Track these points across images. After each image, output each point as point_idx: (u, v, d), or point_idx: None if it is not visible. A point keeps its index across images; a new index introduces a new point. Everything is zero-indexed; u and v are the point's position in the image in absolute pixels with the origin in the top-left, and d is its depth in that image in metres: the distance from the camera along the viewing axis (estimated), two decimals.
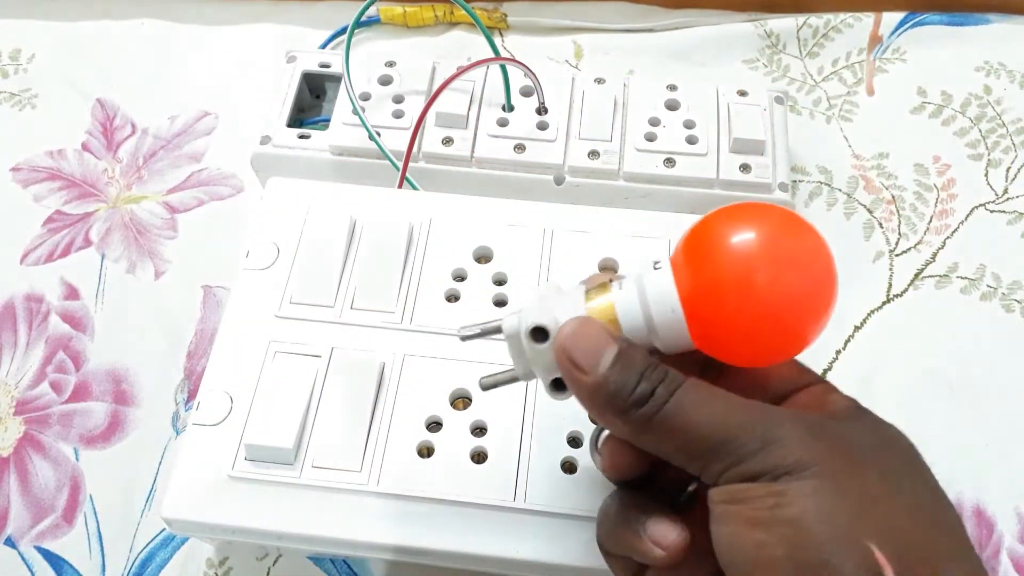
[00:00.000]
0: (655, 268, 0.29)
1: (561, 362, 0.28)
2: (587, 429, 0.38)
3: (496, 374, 0.32)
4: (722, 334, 0.27)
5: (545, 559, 0.36)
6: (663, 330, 0.28)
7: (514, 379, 0.31)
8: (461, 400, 0.39)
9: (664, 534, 0.28)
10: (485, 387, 0.32)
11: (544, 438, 0.38)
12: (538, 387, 0.39)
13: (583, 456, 0.38)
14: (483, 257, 0.43)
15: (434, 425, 0.39)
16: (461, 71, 0.48)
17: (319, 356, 0.40)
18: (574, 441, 0.38)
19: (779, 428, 0.26)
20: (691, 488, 0.31)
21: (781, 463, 0.25)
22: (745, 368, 0.30)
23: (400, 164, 0.48)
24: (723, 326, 0.27)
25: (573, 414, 0.38)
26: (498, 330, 0.30)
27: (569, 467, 0.37)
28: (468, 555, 0.36)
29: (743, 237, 0.27)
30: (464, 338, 0.31)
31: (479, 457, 0.38)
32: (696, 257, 0.27)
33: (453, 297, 0.42)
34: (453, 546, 0.36)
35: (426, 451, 0.38)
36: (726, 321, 0.27)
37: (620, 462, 0.30)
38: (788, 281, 0.27)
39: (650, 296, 0.28)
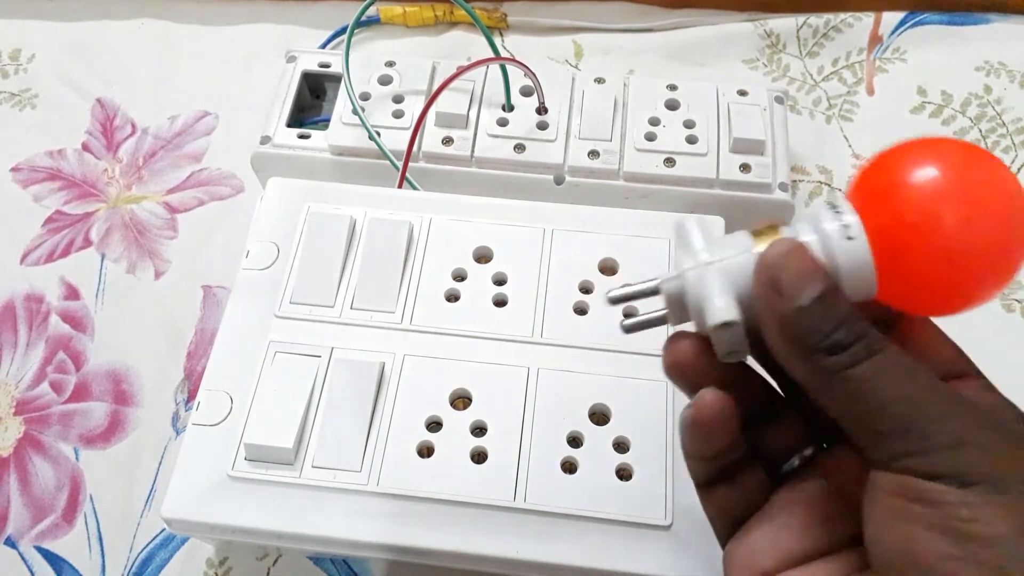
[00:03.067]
0: (833, 209, 0.26)
1: (761, 281, 0.25)
2: (587, 430, 0.38)
3: (642, 317, 0.28)
4: (902, 277, 0.25)
5: (545, 559, 0.36)
6: (848, 275, 0.25)
7: (654, 292, 0.28)
8: (461, 400, 0.39)
9: (705, 394, 0.27)
10: (628, 329, 0.29)
11: (544, 438, 0.38)
12: (538, 389, 0.39)
13: (583, 456, 0.38)
14: (483, 257, 0.43)
15: (434, 425, 0.39)
16: (461, 71, 0.48)
17: (319, 356, 0.40)
18: (574, 441, 0.38)
19: (977, 430, 0.24)
20: (799, 458, 0.30)
21: (974, 470, 0.23)
22: (911, 335, 0.28)
23: (400, 164, 0.47)
24: (905, 268, 0.25)
25: (572, 414, 0.38)
26: (654, 292, 0.28)
27: (569, 467, 0.37)
28: (468, 555, 0.36)
29: (931, 171, 0.25)
30: (628, 329, 0.28)
31: (479, 457, 0.38)
32: (878, 191, 0.26)
33: (453, 297, 0.42)
34: (453, 546, 0.36)
35: (426, 451, 0.38)
36: (909, 263, 0.25)
37: (684, 360, 0.28)
38: (981, 223, 0.24)
39: (833, 236, 0.26)
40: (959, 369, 0.28)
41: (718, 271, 0.26)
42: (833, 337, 0.24)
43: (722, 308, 0.26)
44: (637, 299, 0.28)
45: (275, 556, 0.44)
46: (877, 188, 0.26)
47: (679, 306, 0.27)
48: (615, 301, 0.28)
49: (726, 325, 0.26)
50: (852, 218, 0.25)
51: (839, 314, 0.25)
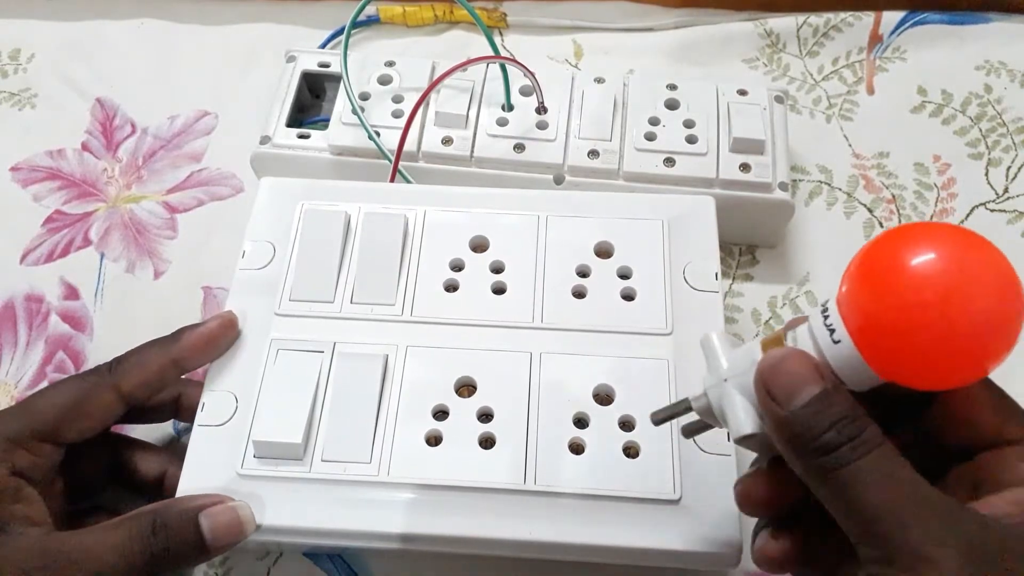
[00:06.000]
0: (823, 313, 0.27)
1: (758, 390, 0.28)
2: (592, 411, 0.38)
3: (668, 410, 0.33)
4: (901, 361, 0.26)
5: (558, 539, 0.36)
6: (843, 372, 0.27)
7: (687, 410, 0.32)
8: (466, 388, 0.39)
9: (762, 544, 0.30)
10: (657, 422, 0.33)
11: (550, 421, 0.38)
12: (542, 373, 0.39)
13: (590, 436, 0.38)
14: (479, 246, 0.43)
15: (440, 414, 0.39)
16: (458, 66, 0.48)
17: (322, 352, 0.40)
18: (580, 422, 0.38)
19: (940, 546, 0.24)
20: None
21: None
22: (946, 408, 0.28)
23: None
24: (902, 353, 0.25)
25: (577, 396, 0.39)
26: (688, 410, 0.32)
27: (577, 448, 0.38)
28: (482, 539, 0.36)
29: (923, 258, 0.25)
30: (657, 422, 0.33)
31: (487, 443, 0.38)
32: (869, 284, 0.26)
33: (452, 287, 0.42)
34: (467, 531, 0.36)
35: (434, 439, 0.38)
36: (906, 347, 0.25)
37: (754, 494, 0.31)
38: (975, 303, 0.24)
39: (823, 340, 0.27)
40: (1005, 437, 0.28)
41: (736, 386, 0.29)
42: (823, 439, 0.26)
43: (742, 423, 0.29)
44: (676, 417, 0.32)
45: (275, 556, 0.44)
46: (872, 276, 0.26)
47: (711, 417, 0.31)
48: (658, 422, 0.33)
49: (747, 437, 0.29)
50: (836, 320, 0.27)
51: (832, 415, 0.26)
